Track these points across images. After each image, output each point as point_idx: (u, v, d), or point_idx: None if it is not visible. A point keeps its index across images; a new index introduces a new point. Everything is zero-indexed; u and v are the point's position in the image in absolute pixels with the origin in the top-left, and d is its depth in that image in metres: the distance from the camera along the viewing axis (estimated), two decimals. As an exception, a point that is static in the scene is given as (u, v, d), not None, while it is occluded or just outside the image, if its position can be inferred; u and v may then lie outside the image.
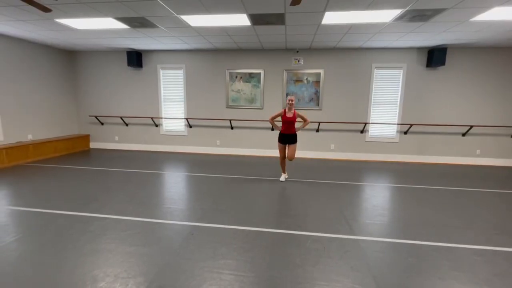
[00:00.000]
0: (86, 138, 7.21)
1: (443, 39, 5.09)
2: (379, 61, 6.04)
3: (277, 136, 4.51)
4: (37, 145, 5.81)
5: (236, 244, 2.45)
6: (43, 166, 5.23)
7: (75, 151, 6.81)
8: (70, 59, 6.96)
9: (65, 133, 6.91)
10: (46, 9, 2.99)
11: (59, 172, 4.85)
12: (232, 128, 6.73)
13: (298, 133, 4.54)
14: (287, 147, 4.40)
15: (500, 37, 4.88)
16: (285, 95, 6.37)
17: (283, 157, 4.48)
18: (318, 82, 6.24)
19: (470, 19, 3.92)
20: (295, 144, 4.36)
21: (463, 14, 3.72)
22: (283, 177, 4.55)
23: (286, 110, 4.27)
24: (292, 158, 4.38)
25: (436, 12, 3.67)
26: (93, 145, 7.35)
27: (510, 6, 3.39)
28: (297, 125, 4.38)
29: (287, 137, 4.34)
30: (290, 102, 4.19)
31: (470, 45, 5.50)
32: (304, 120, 4.31)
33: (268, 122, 6.43)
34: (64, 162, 5.60)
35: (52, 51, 6.43)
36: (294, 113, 4.24)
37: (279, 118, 4.40)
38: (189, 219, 2.97)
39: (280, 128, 4.37)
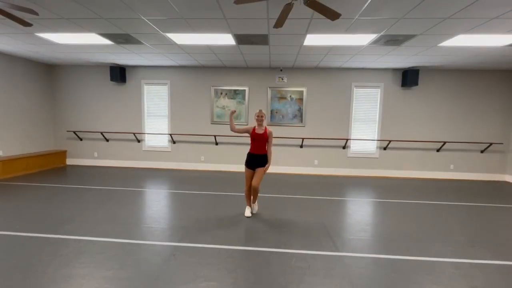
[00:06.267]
0: (62, 154, 6.88)
1: (415, 62, 5.46)
2: (358, 80, 6.34)
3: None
4: (7, 162, 5.46)
5: (219, 264, 2.38)
6: (13, 185, 4.91)
7: (49, 167, 6.46)
8: (50, 72, 6.76)
9: (39, 149, 6.57)
10: (26, 24, 2.94)
11: (30, 190, 4.56)
12: (216, 144, 6.70)
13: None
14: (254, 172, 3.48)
15: (467, 61, 5.31)
16: (269, 111, 6.49)
17: (250, 187, 3.51)
18: (301, 99, 6.43)
19: (438, 45, 4.26)
20: (263, 168, 3.45)
21: (431, 40, 4.04)
22: (248, 212, 3.59)
23: (256, 127, 3.48)
24: (256, 186, 3.41)
25: (407, 37, 3.96)
26: (70, 161, 7.02)
27: (472, 34, 3.73)
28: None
29: (257, 159, 3.45)
30: (259, 118, 3.43)
31: (440, 67, 5.93)
32: (268, 148, 3.47)
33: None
34: (36, 180, 5.28)
35: (30, 64, 6.22)
36: (265, 130, 3.46)
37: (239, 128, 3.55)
38: (170, 239, 2.86)
39: (235, 127, 3.46)
